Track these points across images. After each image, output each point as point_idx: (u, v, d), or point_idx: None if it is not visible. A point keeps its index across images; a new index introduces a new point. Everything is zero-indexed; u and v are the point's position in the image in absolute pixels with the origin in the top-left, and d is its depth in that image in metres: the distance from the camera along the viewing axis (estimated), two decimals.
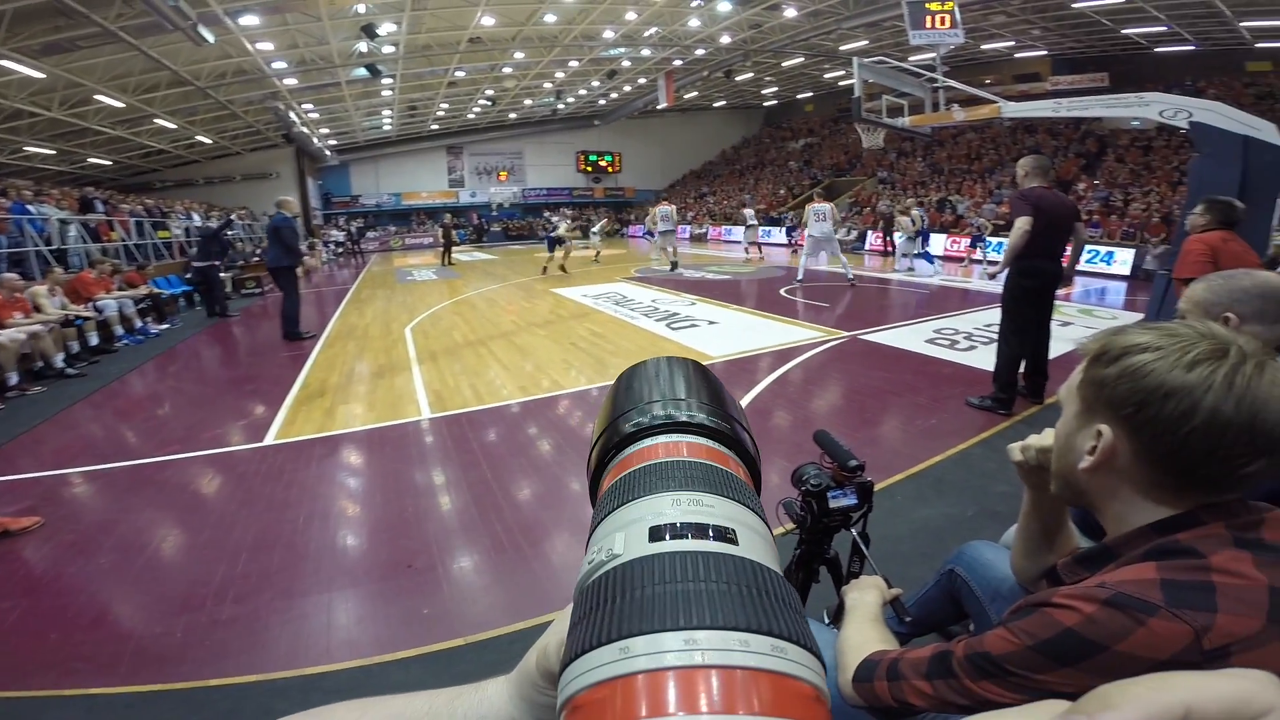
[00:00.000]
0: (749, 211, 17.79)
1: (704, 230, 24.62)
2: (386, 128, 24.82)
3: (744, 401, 4.17)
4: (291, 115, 18.10)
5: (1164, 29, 16.00)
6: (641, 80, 23.42)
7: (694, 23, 17.55)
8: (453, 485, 3.15)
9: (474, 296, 10.06)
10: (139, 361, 6.38)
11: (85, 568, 2.53)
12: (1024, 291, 3.80)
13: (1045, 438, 0.92)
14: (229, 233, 10.98)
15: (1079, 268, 3.88)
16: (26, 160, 15.31)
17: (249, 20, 12.05)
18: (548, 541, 2.63)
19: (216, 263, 9.40)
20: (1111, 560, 0.74)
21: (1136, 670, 0.60)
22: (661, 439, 0.32)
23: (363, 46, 15.07)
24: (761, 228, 19.98)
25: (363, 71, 16.13)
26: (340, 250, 22.18)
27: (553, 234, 12.76)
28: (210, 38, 10.81)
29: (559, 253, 12.76)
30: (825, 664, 0.21)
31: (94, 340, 6.77)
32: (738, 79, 24.37)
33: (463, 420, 4.05)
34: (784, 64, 22.62)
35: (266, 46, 13.92)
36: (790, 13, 16.56)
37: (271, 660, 1.96)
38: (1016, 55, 19.91)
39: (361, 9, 13.43)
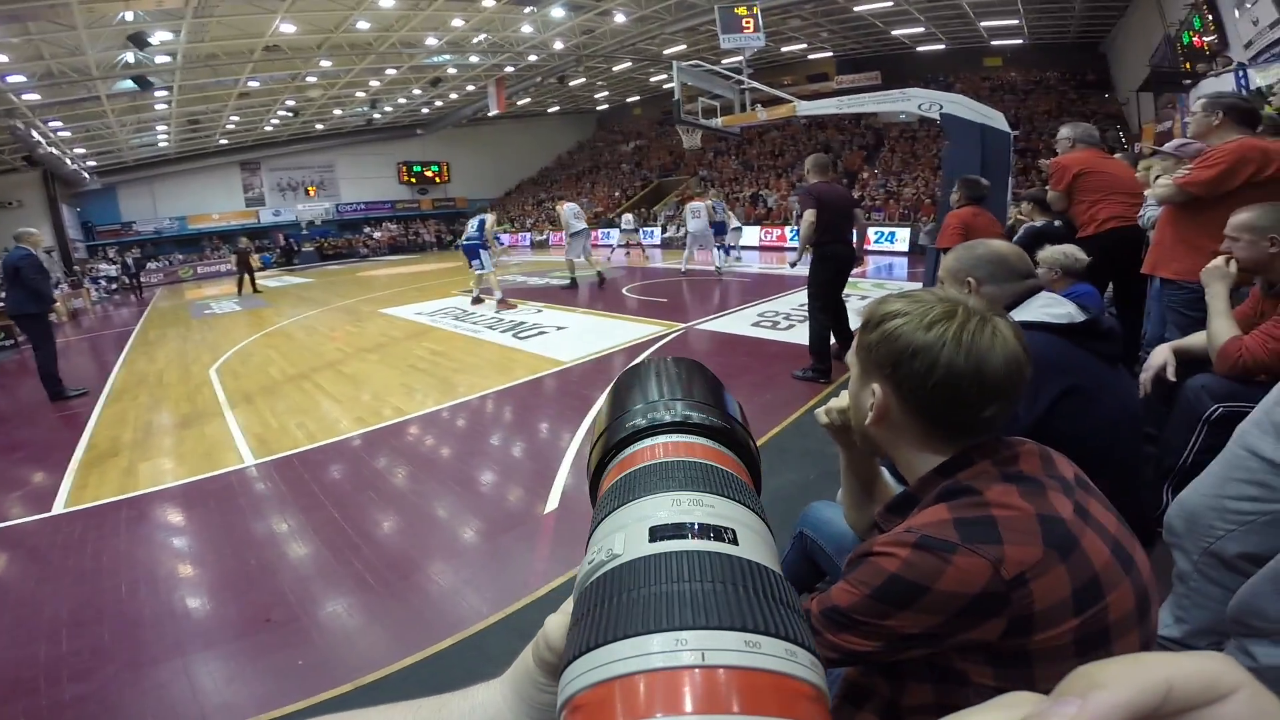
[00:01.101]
0: (629, 216, 18.43)
1: (544, 236, 24.49)
2: (163, 144, 21.58)
3: (597, 405, 4.21)
4: (35, 134, 15.10)
5: (922, 30, 18.77)
6: (470, 87, 22.64)
7: (526, 29, 17.33)
8: (297, 531, 2.85)
9: (289, 325, 9.03)
10: None
11: None
12: (824, 272, 4.38)
13: (842, 400, 1.03)
14: None
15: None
16: None
17: None
18: (419, 572, 2.47)
19: None
20: (914, 505, 0.82)
21: (961, 606, 0.68)
22: (662, 439, 0.32)
23: (129, 57, 12.98)
24: (601, 230, 20.36)
25: (129, 84, 13.91)
26: (115, 286, 18.91)
27: (477, 239, 8.53)
28: None
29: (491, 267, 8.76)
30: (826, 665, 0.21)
31: None
32: (571, 84, 24.49)
33: (295, 461, 3.66)
34: (614, 69, 23.12)
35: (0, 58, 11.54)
36: (620, 18, 16.99)
37: None
38: (809, 57, 22.18)
39: (130, 16, 11.55)
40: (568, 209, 9.76)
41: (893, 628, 0.71)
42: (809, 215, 4.18)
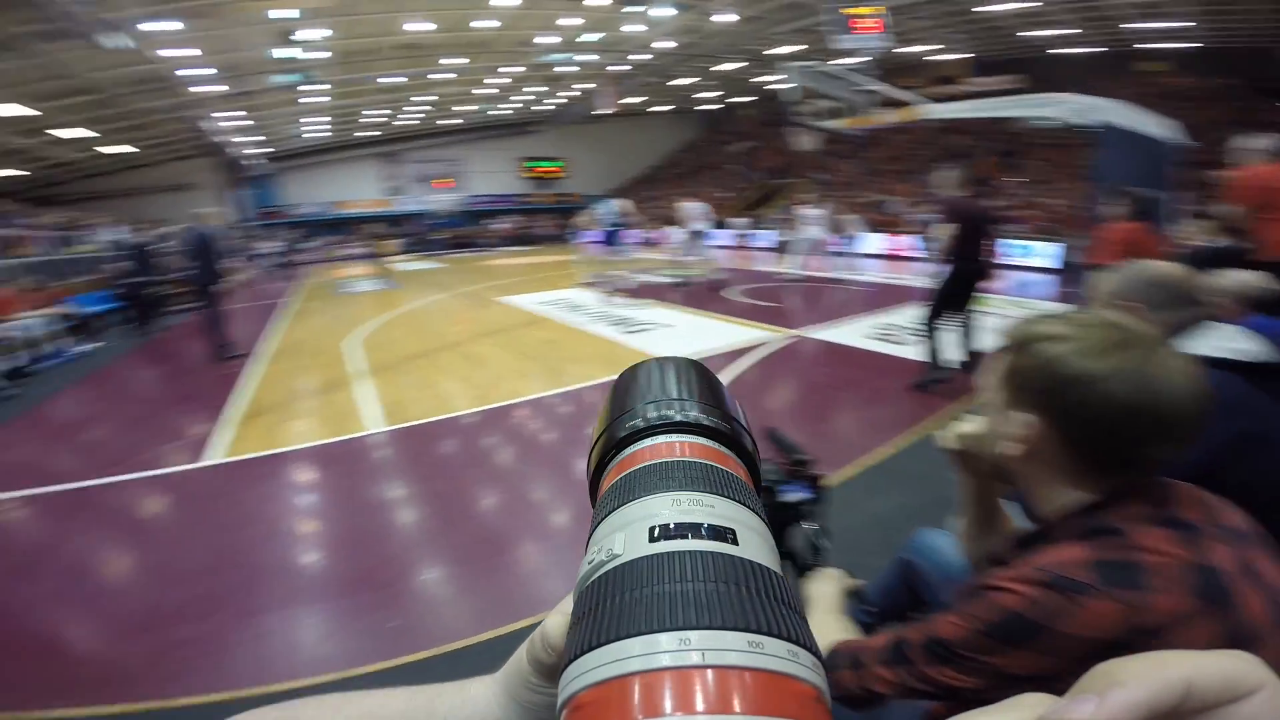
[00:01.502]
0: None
1: (652, 234, 24.76)
2: (318, 135, 23.97)
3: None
4: (214, 124, 17.23)
5: (1068, 31, 17.11)
6: (583, 86, 23.26)
7: (633, 28, 17.55)
8: (410, 498, 3.09)
9: (419, 307, 9.81)
10: (65, 382, 5.99)
11: (29, 594, 2.41)
12: (949, 287, 4.25)
13: (971, 424, 0.95)
14: (164, 248, 10.48)
15: (998, 262, 4.37)
16: None
17: (166, 26, 11.44)
18: (512, 550, 2.61)
19: (153, 278, 9.00)
20: (1047, 542, 0.76)
21: (1080, 649, 0.64)
22: (662, 439, 0.32)
23: (288, 53, 14.50)
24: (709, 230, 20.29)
25: (289, 77, 15.51)
26: (274, 263, 21.25)
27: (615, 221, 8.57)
28: (128, 43, 10.23)
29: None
30: (826, 665, 0.22)
31: (24, 360, 6.32)
32: (676, 84, 24.61)
33: (417, 433, 3.96)
34: (722, 68, 22.95)
35: (185, 53, 13.24)
36: (726, 18, 16.83)
37: (237, 677, 1.93)
38: (937, 58, 20.86)
39: (285, 14, 12.91)
40: (692, 207, 9.60)
41: (999, 666, 0.68)
42: (946, 229, 4.13)
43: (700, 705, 0.17)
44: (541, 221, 30.53)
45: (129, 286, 8.83)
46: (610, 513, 0.27)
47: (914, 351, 5.32)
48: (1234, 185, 3.13)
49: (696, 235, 9.66)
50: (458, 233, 28.64)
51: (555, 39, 17.73)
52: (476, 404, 4.46)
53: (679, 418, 0.33)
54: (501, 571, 2.46)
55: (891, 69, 21.14)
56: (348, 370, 5.71)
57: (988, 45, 19.38)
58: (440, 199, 29.36)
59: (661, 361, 0.39)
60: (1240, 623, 0.64)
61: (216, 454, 3.80)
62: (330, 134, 24.25)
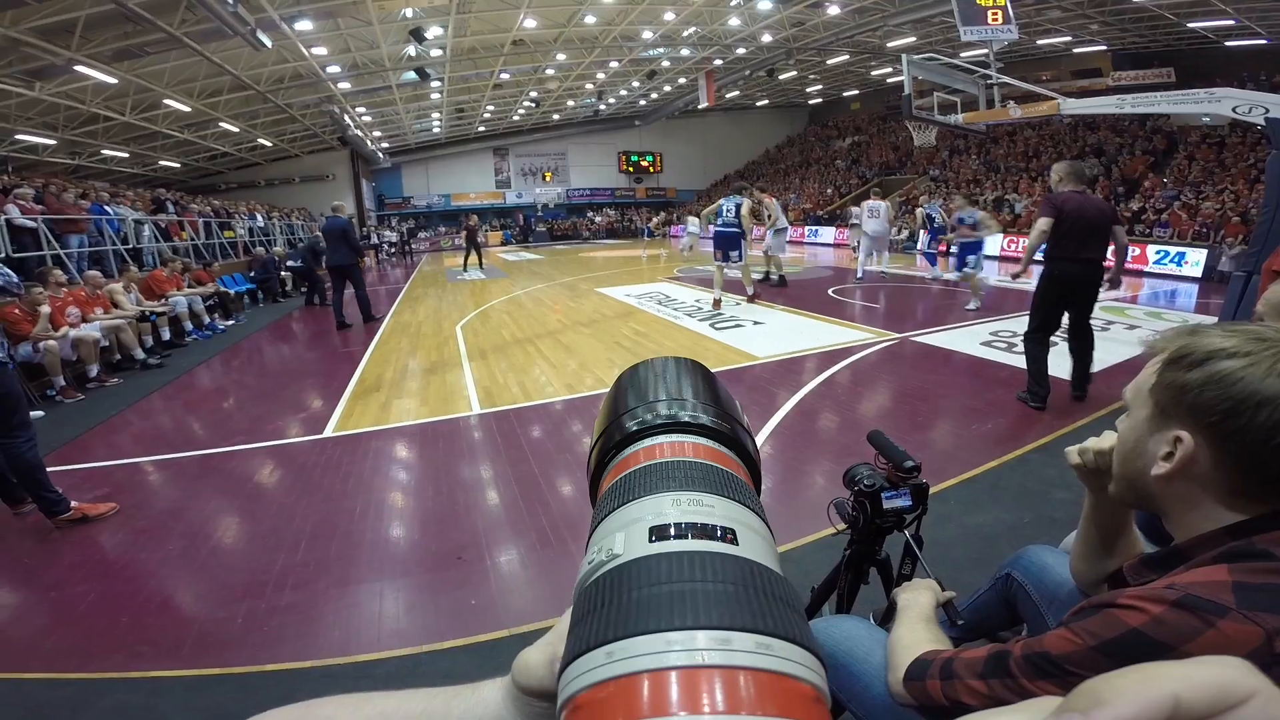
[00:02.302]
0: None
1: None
2: (435, 130, 25.48)
3: (791, 402, 4.13)
4: (346, 118, 18.72)
5: (1232, 22, 15.08)
6: (681, 80, 23.35)
7: (734, 22, 17.36)
8: (500, 480, 3.21)
9: (521, 295, 10.27)
10: (207, 356, 6.72)
11: (155, 554, 2.65)
12: (1046, 291, 3.89)
13: (1105, 440, 0.90)
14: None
15: (1139, 266, 3.86)
16: (103, 163, 16.32)
17: (303, 25, 12.48)
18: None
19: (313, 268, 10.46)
20: (1181, 563, 0.72)
21: None
22: (662, 439, 0.32)
23: (411, 50, 15.42)
24: (808, 228, 19.76)
25: (412, 75, 16.52)
26: (393, 250, 22.86)
27: (736, 226, 7.26)
28: (268, 43, 11.29)
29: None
30: (826, 664, 0.21)
31: (166, 335, 7.17)
32: (780, 77, 24.03)
33: (511, 416, 4.13)
34: (828, 62, 22.20)
35: (321, 51, 14.42)
36: (834, 10, 16.24)
37: (325, 647, 2.02)
38: (1075, 50, 19.07)
39: (409, 13, 13.74)
40: (775, 204, 9.26)
41: None
42: (1040, 224, 3.75)
43: (698, 705, 0.18)
44: (636, 215, 30.94)
45: (295, 271, 10.43)
46: (610, 513, 0.27)
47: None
48: None
49: (780, 232, 9.35)
50: (559, 224, 29.64)
51: (656, 33, 17.78)
52: (566, 392, 4.59)
53: (679, 418, 0.33)
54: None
55: (1023, 61, 19.61)
56: (451, 353, 6.05)
57: (1133, 37, 17.48)
58: (545, 191, 30.42)
59: (662, 362, 0.40)
60: None
61: (336, 427, 4.10)
62: (447, 129, 25.65)
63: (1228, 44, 16.71)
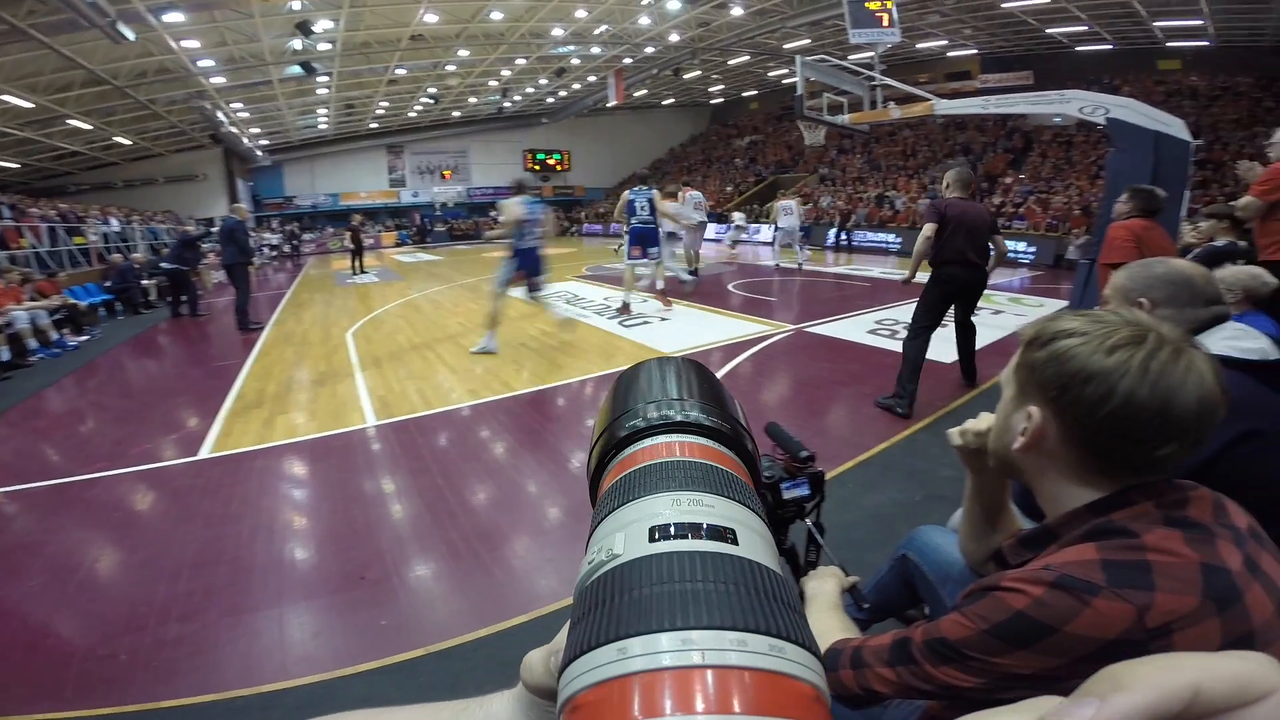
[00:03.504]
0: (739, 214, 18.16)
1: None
2: (322, 126, 23.94)
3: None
4: (219, 115, 17.26)
5: (1084, 29, 16.95)
6: (591, 78, 23.27)
7: (644, 20, 17.55)
8: (403, 493, 3.05)
9: (418, 298, 9.79)
10: (57, 376, 5.94)
11: (11, 591, 2.37)
12: (931, 294, 4.00)
13: (981, 421, 0.95)
14: (205, 242, 11.07)
15: (988, 265, 4.16)
16: None
17: (173, 17, 11.39)
18: (506, 546, 2.57)
19: (186, 268, 9.44)
20: (1053, 541, 0.76)
21: (1088, 650, 0.63)
22: (662, 439, 0.32)
23: (297, 44, 14.44)
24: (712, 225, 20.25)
25: (297, 69, 15.49)
26: (275, 253, 21.22)
27: (653, 221, 7.11)
28: (130, 35, 10.17)
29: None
30: (826, 665, 0.21)
31: (5, 355, 6.27)
32: (686, 77, 24.53)
33: (410, 426, 3.93)
34: (730, 62, 22.89)
35: (193, 44, 13.24)
36: (737, 11, 16.79)
37: (226, 679, 1.89)
38: (949, 54, 20.73)
39: (297, 5, 12.87)
40: (691, 196, 8.99)
41: (1004, 666, 0.68)
42: (926, 229, 3.88)
43: (698, 706, 0.18)
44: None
45: (170, 273, 9.37)
46: (610, 513, 0.27)
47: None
48: (1266, 177, 3.03)
49: (696, 227, 9.42)
50: (460, 224, 28.64)
51: (566, 30, 17.63)
52: (470, 398, 4.42)
53: (679, 418, 0.33)
54: (497, 566, 2.43)
55: (903, 64, 21.05)
56: (341, 362, 5.68)
57: (1000, 42, 19.23)
58: (444, 191, 29.33)
59: (662, 361, 0.39)
60: (1248, 620, 0.64)
61: (213, 447, 3.77)
62: (335, 126, 24.20)
63: (1079, 49, 18.74)
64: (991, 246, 4.03)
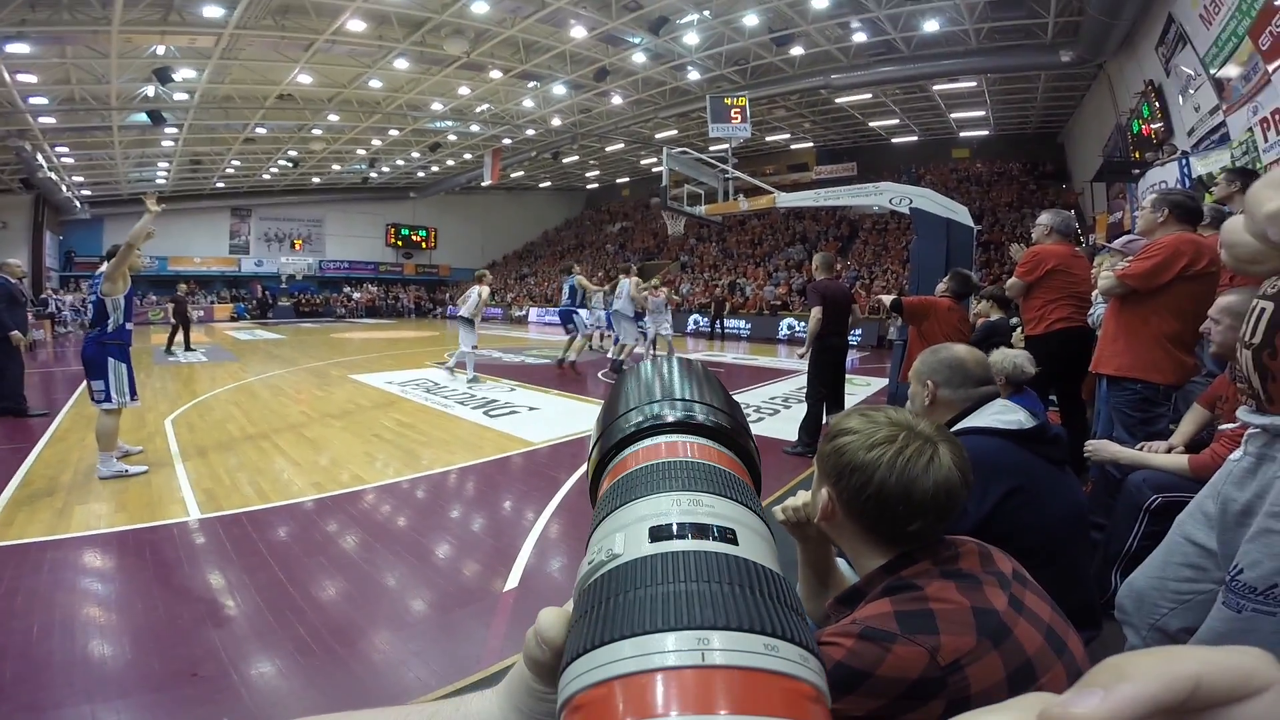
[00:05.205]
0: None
1: (524, 312, 24.62)
2: (160, 181, 21.75)
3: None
4: (39, 158, 15.14)
5: (897, 122, 20.21)
6: (466, 155, 23.34)
7: (528, 103, 18.06)
8: (237, 588, 2.71)
9: (254, 382, 8.75)
10: None
11: None
12: (822, 362, 4.83)
13: (798, 499, 1.13)
14: None
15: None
16: None
17: (17, 48, 10.16)
18: (364, 640, 2.35)
19: None
20: (861, 599, 0.89)
21: (898, 690, 0.73)
22: (662, 439, 0.32)
23: (150, 90, 13.27)
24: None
25: (143, 117, 14.17)
26: (81, 320, 18.34)
27: (571, 304, 9.47)
28: None
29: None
30: (826, 665, 0.22)
31: None
32: (564, 160, 25.38)
33: (243, 520, 3.50)
34: (607, 149, 24.07)
35: (29, 78, 11.85)
36: (617, 100, 17.88)
37: None
38: (791, 146, 23.57)
39: (161, 50, 11.91)
40: (625, 284, 9.04)
41: (839, 711, 0.76)
42: (816, 312, 4.64)
43: (698, 705, 0.18)
44: (403, 293, 29.35)
45: None
46: (610, 513, 0.27)
47: (764, 427, 5.68)
48: (1027, 258, 3.50)
49: (572, 315, 9.63)
50: (309, 299, 26.56)
51: (446, 106, 17.69)
52: (315, 491, 4.03)
53: (678, 417, 0.33)
54: (355, 661, 2.21)
55: (754, 155, 23.53)
56: (158, 451, 4.94)
57: (832, 135, 22.21)
58: (293, 261, 27.35)
59: (662, 361, 0.40)
60: (1022, 652, 0.77)
61: None
62: (175, 181, 22.14)
63: (894, 140, 22.11)
64: (851, 317, 4.91)
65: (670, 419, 0.33)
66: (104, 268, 4.22)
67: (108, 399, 4.15)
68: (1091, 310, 3.40)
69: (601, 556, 0.25)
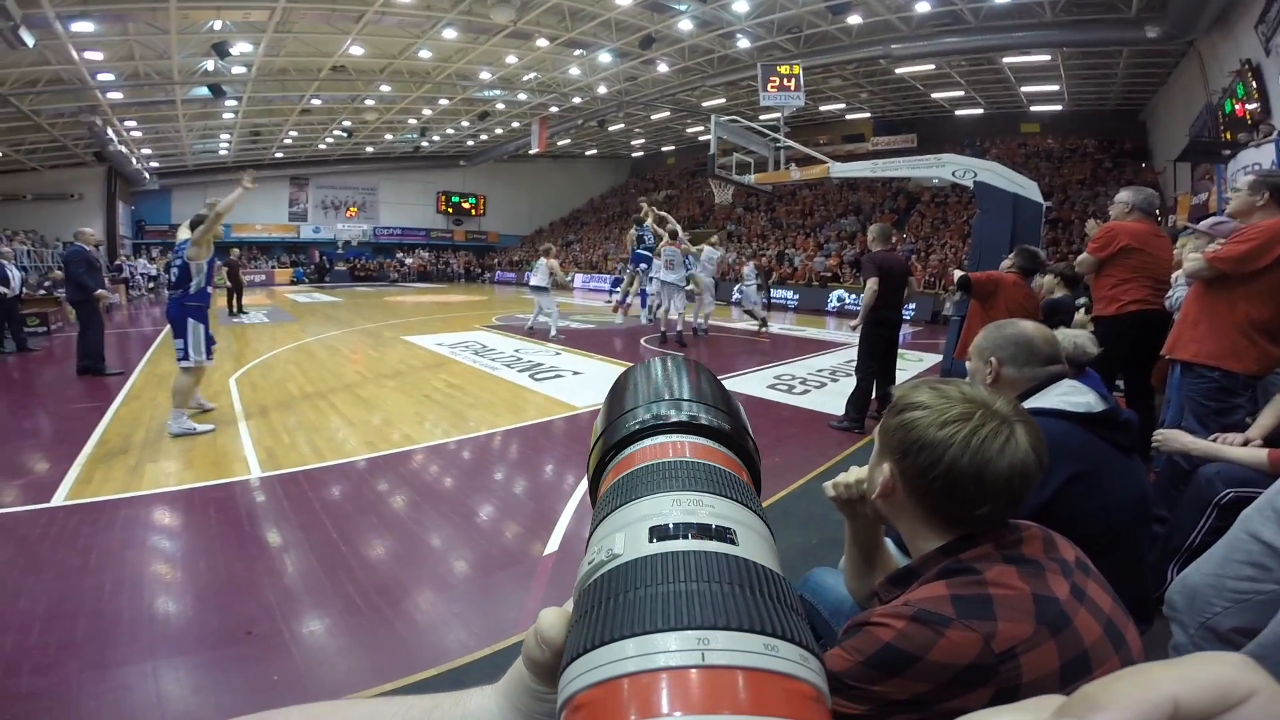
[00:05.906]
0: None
1: (570, 278, 24.72)
2: (222, 152, 22.63)
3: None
4: (109, 132, 15.89)
5: (962, 94, 19.13)
6: (515, 124, 23.42)
7: (574, 71, 17.94)
8: (292, 546, 2.84)
9: (313, 343, 9.18)
10: None
11: None
12: (876, 336, 4.66)
13: (850, 474, 1.07)
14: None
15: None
16: None
17: (83, 26, 10.57)
18: (409, 600, 2.44)
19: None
20: (915, 580, 0.86)
21: (948, 675, 0.71)
22: (662, 439, 0.32)
23: (210, 65, 13.70)
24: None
25: (204, 91, 14.66)
26: (153, 285, 19.41)
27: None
28: (31, 42, 9.33)
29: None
30: (825, 665, 0.21)
31: None
32: (610, 129, 25.19)
33: (300, 478, 3.67)
34: (653, 117, 23.77)
35: (95, 55, 12.31)
36: (663, 68, 17.55)
37: None
38: (847, 117, 22.63)
39: (218, 25, 12.26)
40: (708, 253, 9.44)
41: (881, 693, 0.75)
42: (872, 284, 4.48)
43: (698, 705, 0.18)
44: (453, 258, 29.86)
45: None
46: (610, 513, 0.27)
47: (810, 400, 5.58)
48: (1101, 234, 3.32)
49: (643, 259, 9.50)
50: (364, 264, 27.45)
51: (495, 75, 17.71)
52: (368, 450, 4.20)
53: (679, 418, 0.33)
54: (399, 620, 2.30)
55: (807, 125, 22.74)
56: (223, 410, 5.23)
57: (890, 106, 21.25)
58: (349, 228, 28.17)
59: (662, 361, 0.40)
60: (1080, 642, 0.74)
61: (69, 494, 3.38)
62: (237, 152, 22.93)
63: (957, 113, 21.01)
64: (908, 290, 4.76)
65: (671, 419, 0.33)
66: (184, 234, 4.57)
67: (185, 357, 4.45)
68: (1170, 293, 3.19)
69: (601, 556, 0.24)
